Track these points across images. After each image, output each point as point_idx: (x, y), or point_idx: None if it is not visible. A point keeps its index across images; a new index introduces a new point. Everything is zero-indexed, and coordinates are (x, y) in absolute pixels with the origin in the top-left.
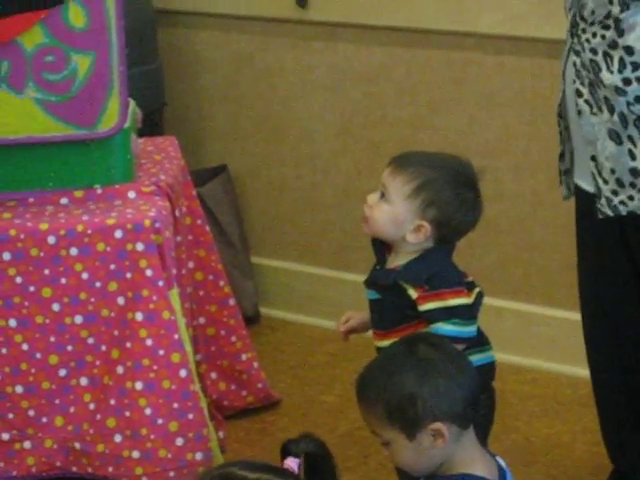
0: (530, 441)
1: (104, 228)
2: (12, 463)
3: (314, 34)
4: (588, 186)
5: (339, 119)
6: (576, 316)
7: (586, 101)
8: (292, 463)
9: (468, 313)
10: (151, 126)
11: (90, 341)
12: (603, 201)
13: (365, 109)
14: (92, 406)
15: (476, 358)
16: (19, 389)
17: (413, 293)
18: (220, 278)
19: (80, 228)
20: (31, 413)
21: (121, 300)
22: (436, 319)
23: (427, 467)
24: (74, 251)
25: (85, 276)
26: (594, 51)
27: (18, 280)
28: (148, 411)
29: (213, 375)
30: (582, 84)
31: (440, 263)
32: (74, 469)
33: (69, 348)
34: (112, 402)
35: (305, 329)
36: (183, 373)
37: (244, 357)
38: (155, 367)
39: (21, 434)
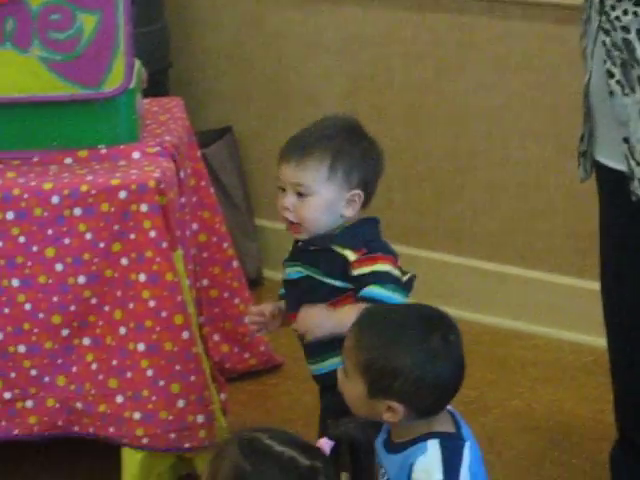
0: (532, 407)
1: (108, 188)
2: (14, 422)
3: None
4: (617, 165)
5: (345, 82)
6: (580, 283)
7: (618, 81)
8: (325, 444)
9: (403, 286)
10: (156, 87)
11: (93, 301)
12: (636, 183)
13: (372, 72)
14: (94, 366)
15: None
16: (22, 348)
17: (351, 255)
18: (224, 240)
19: (84, 188)
20: (33, 372)
21: (124, 261)
22: (372, 282)
23: (368, 417)
24: (78, 211)
25: (89, 236)
26: (626, 29)
27: (21, 240)
28: (150, 372)
29: (216, 337)
30: (614, 64)
31: (374, 230)
32: (75, 429)
33: (72, 308)
34: (114, 363)
35: None
36: (185, 335)
37: (247, 320)
38: (158, 328)
39: (23, 393)
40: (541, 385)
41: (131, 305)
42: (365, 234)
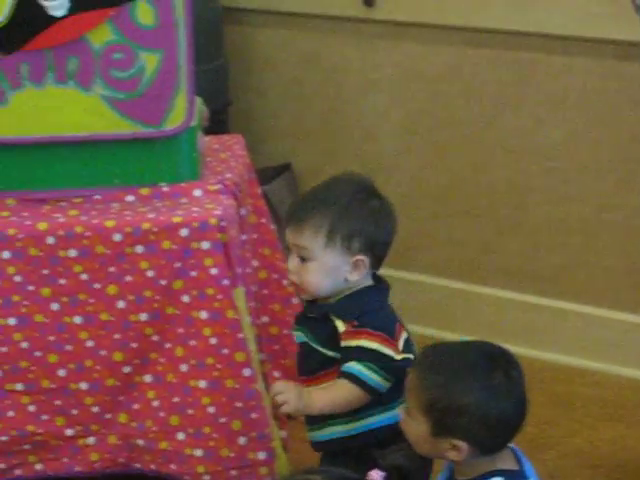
0: (594, 445)
1: (170, 226)
2: (75, 459)
3: (380, 33)
4: None
5: (404, 118)
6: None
7: None
8: (377, 476)
9: (388, 366)
10: (217, 124)
11: (154, 339)
12: None
13: (430, 109)
14: (156, 403)
15: (379, 418)
16: (83, 386)
17: (341, 326)
18: (284, 277)
19: (146, 226)
20: (95, 409)
21: (186, 298)
22: (353, 358)
23: (432, 455)
24: (140, 249)
25: (150, 274)
26: None
27: (83, 277)
28: (211, 410)
29: (276, 374)
30: None
31: (374, 302)
32: (137, 465)
33: (133, 345)
34: (175, 400)
35: None
36: (247, 372)
37: None
38: (219, 366)
39: (85, 430)
40: (602, 422)
41: (192, 342)
42: (363, 305)
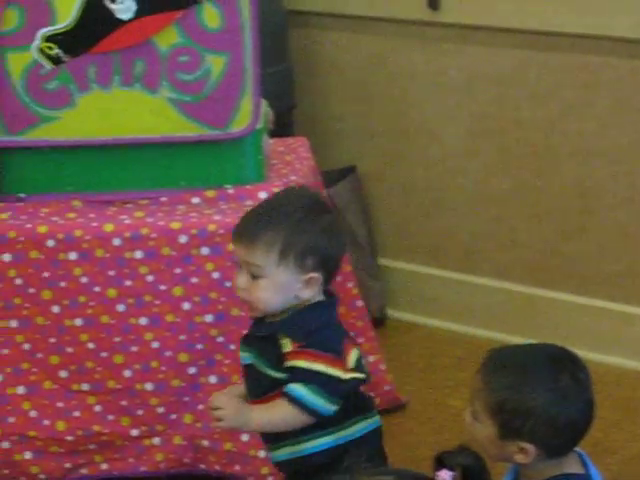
0: None
1: None
2: (141, 459)
3: (445, 36)
4: None
5: (469, 121)
6: None
7: None
8: (446, 476)
9: (334, 388)
10: (282, 127)
11: (219, 340)
12: None
13: (496, 112)
14: None
15: (360, 426)
16: (149, 386)
17: (288, 346)
18: (348, 279)
19: (211, 228)
20: (160, 410)
21: None
22: (296, 379)
23: (499, 459)
24: (205, 250)
25: (215, 275)
26: None
27: (149, 279)
28: None
29: None
30: None
31: (321, 319)
32: (201, 466)
33: (199, 346)
34: None
35: (432, 331)
36: None
37: (371, 359)
38: None
39: (150, 430)
40: None
41: None
42: (311, 323)
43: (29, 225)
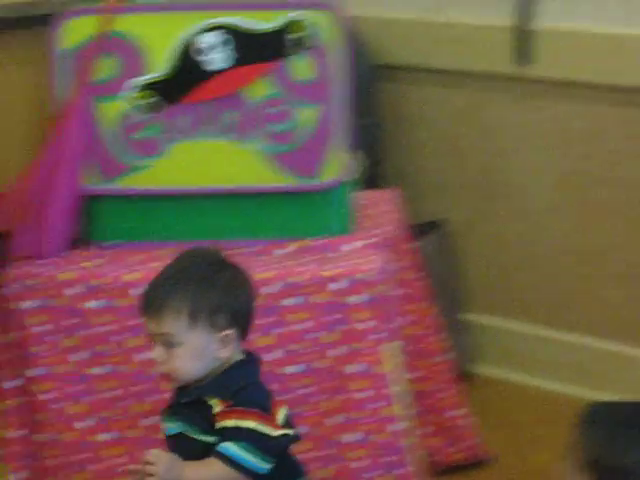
0: None
1: (320, 280)
2: None
3: (536, 90)
4: None
5: (557, 177)
6: None
7: None
8: None
9: (266, 445)
10: (370, 179)
11: (302, 392)
12: None
13: (583, 168)
14: (304, 456)
15: None
16: None
17: (217, 406)
18: (434, 333)
19: (296, 279)
20: None
21: (335, 352)
22: (227, 438)
23: None
24: (290, 301)
25: (299, 327)
26: None
27: None
28: (359, 464)
29: (424, 430)
30: None
31: (247, 377)
32: None
33: (286, 397)
34: (323, 453)
35: (518, 387)
36: (395, 427)
37: (456, 413)
38: (367, 420)
39: None
40: None
41: (340, 396)
42: (237, 381)
43: (115, 273)
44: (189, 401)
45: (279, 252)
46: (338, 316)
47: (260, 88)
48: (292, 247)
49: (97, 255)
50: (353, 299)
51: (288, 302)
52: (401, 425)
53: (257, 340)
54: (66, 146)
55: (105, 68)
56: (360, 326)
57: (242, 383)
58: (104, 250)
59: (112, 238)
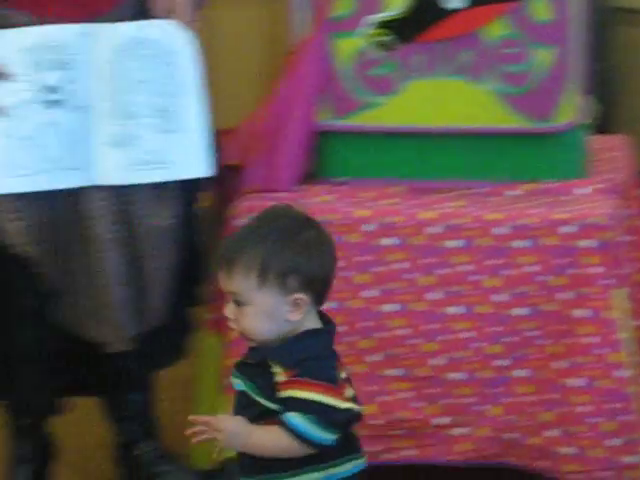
0: None
1: (552, 222)
2: (445, 448)
3: None
4: None
5: None
6: None
7: None
8: None
9: (332, 417)
10: (602, 124)
11: (531, 334)
12: None
13: None
14: (527, 399)
15: (351, 465)
16: (458, 376)
17: (280, 375)
18: None
19: (527, 221)
20: (468, 401)
21: (564, 295)
22: (292, 408)
23: None
24: (519, 244)
25: (529, 269)
26: None
27: (463, 269)
28: (582, 409)
29: None
30: None
31: (314, 348)
32: (504, 459)
33: (510, 339)
34: (547, 397)
35: None
36: (622, 374)
37: None
38: (593, 366)
39: (457, 420)
40: None
41: (567, 340)
42: (304, 351)
43: (349, 209)
44: (254, 362)
45: (510, 193)
46: (567, 260)
47: (497, 28)
48: (523, 189)
49: (328, 190)
50: (583, 243)
51: (517, 244)
52: (627, 372)
53: (484, 281)
54: (302, 82)
55: (343, 5)
56: (589, 270)
57: (307, 354)
58: (335, 186)
59: (343, 174)
